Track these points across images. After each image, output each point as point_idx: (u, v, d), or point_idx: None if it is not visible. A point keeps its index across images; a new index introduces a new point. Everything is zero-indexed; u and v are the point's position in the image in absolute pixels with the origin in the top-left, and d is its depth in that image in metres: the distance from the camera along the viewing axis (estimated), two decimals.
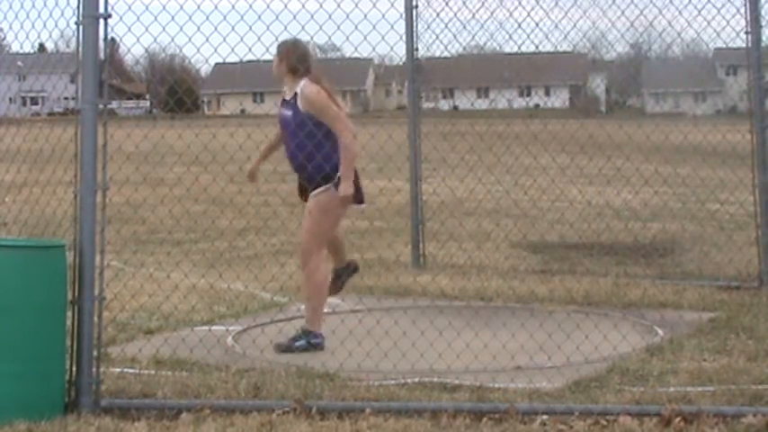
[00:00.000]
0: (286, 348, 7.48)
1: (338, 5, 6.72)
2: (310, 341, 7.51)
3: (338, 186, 7.38)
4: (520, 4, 10.56)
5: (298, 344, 7.49)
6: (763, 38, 9.67)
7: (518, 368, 6.84)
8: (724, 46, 11.30)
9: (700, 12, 10.02)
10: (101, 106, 5.91)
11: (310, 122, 7.37)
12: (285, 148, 7.65)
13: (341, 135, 7.35)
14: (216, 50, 6.69)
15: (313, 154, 7.37)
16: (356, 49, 8.89)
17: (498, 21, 11.00)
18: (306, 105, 7.40)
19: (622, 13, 10.34)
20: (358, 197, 7.52)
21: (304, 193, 7.64)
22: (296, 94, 7.46)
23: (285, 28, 6.72)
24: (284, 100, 7.61)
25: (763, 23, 9.65)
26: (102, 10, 5.88)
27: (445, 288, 9.80)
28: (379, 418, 5.67)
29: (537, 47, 10.95)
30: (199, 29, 6.54)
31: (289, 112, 7.52)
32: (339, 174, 7.38)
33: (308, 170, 7.43)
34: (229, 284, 9.75)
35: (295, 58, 7.49)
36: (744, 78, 10.25)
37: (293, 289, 9.46)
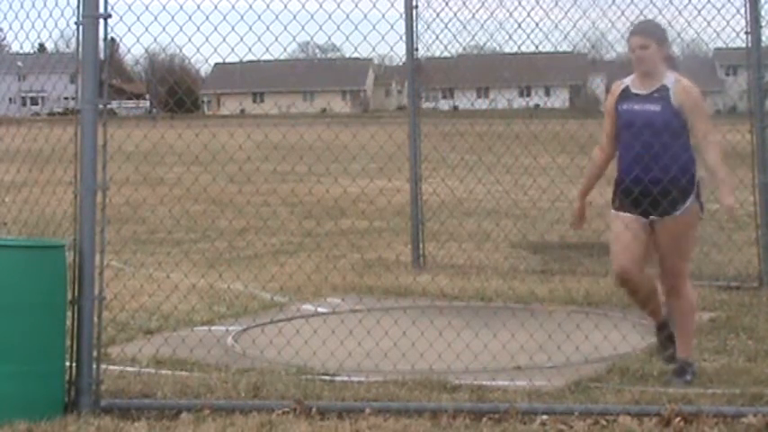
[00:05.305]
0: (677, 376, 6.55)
1: (338, 5, 6.73)
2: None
3: (700, 199, 6.52)
4: (520, 4, 10.58)
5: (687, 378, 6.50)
6: (763, 38, 9.68)
7: (518, 368, 6.84)
8: (724, 46, 11.31)
9: (700, 12, 10.03)
10: (101, 106, 5.92)
11: (677, 122, 6.42)
12: (629, 152, 6.48)
13: (710, 134, 6.43)
14: (216, 50, 6.70)
15: (680, 159, 6.41)
16: (356, 49, 8.86)
17: (498, 21, 11.01)
18: (682, 100, 6.40)
19: (622, 13, 10.32)
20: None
21: (638, 207, 6.47)
22: (662, 87, 6.43)
23: (285, 28, 6.71)
24: (635, 94, 6.53)
25: (763, 23, 9.67)
26: (102, 10, 5.88)
27: (445, 288, 9.79)
28: (379, 418, 5.67)
29: (537, 47, 10.96)
30: (199, 29, 6.55)
31: (655, 108, 6.42)
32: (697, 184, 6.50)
33: (667, 179, 6.37)
34: (229, 284, 9.74)
35: (669, 45, 6.69)
36: (744, 78, 10.25)
37: (293, 289, 9.46)
